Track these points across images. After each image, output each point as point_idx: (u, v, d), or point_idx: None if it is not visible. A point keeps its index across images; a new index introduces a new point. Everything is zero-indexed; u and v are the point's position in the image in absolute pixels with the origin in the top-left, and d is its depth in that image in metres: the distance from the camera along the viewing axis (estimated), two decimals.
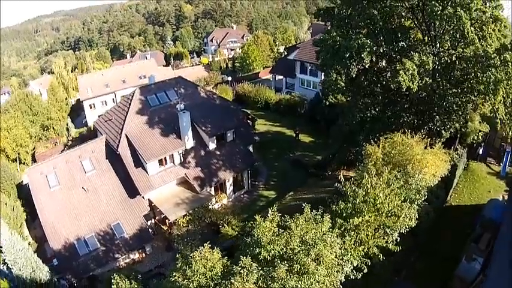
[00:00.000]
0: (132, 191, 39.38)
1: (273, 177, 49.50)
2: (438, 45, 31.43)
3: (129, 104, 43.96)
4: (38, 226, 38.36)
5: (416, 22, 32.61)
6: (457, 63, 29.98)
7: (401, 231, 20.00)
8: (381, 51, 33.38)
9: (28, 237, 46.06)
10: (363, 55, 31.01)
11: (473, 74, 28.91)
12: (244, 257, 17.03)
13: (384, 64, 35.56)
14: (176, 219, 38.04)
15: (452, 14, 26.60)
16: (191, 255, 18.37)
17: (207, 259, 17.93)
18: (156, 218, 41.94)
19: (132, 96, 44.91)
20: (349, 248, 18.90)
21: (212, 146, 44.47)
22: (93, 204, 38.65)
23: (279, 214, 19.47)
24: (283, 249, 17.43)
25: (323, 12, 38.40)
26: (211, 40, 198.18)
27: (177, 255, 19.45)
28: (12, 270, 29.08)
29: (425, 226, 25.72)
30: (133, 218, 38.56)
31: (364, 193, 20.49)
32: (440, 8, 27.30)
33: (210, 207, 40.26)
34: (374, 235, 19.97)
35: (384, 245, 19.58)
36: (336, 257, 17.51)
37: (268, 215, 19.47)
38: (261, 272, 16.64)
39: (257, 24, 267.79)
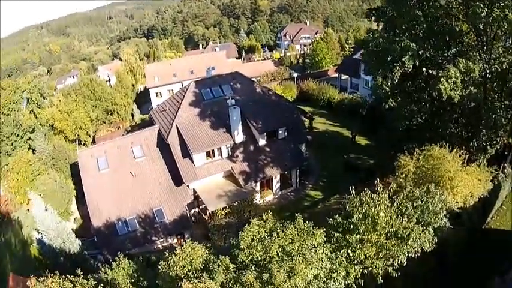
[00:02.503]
0: (178, 179, 42.17)
1: (323, 178, 50.44)
2: (490, 51, 29.01)
3: (183, 96, 46.83)
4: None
5: (470, 25, 30.07)
6: (510, 72, 28.02)
7: (411, 255, 18.71)
8: (427, 55, 31.56)
9: (74, 213, 51.19)
10: (403, 59, 29.74)
11: None
12: (223, 257, 18.34)
13: (432, 70, 33.83)
14: (215, 210, 40.24)
15: (500, 17, 24.68)
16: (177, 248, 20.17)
17: (187, 254, 19.57)
18: (200, 207, 44.55)
19: (187, 89, 47.87)
20: (342, 265, 18.66)
21: (262, 142, 46.04)
22: (139, 188, 42.03)
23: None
24: (262, 255, 18.02)
25: (375, 12, 36.28)
26: (285, 35, 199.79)
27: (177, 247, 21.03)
28: (44, 239, 33.21)
29: (452, 250, 24.77)
30: (176, 205, 41.49)
31: (363, 210, 19.31)
32: (485, 9, 25.37)
33: (255, 202, 41.87)
34: (377, 255, 19.07)
35: (383, 268, 18.84)
36: (320, 273, 17.61)
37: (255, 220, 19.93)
38: (233, 274, 17.80)
39: (333, 21, 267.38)
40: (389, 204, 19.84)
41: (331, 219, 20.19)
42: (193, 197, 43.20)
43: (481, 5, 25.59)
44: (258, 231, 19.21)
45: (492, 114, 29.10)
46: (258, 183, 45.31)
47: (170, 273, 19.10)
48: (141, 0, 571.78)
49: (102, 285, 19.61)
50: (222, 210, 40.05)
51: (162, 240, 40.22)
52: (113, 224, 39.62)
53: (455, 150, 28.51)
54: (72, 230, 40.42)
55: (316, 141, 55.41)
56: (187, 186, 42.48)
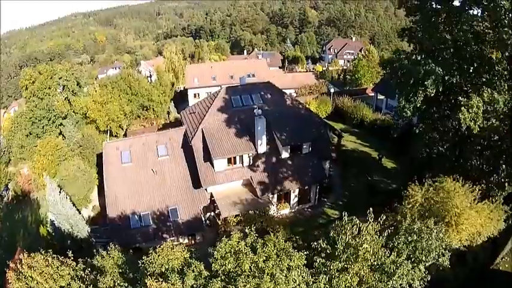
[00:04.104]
0: (197, 182, 43.20)
1: (344, 197, 50.15)
2: None
3: (213, 101, 47.97)
4: None
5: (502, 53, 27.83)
6: None
7: None
8: (454, 81, 30.11)
9: (94, 201, 53.43)
10: (426, 83, 28.79)
11: None
12: (198, 263, 19.34)
13: (461, 98, 30.80)
14: (228, 217, 41.00)
15: None
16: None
17: (166, 253, 21.06)
18: (215, 211, 45.29)
19: (218, 94, 49.03)
20: None
21: (285, 154, 46.40)
22: (157, 186, 43.61)
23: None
24: (235, 268, 18.84)
25: (408, 32, 34.40)
26: (330, 48, 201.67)
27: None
28: (55, 222, 35.28)
29: (453, 286, 24.38)
30: (192, 207, 42.74)
31: (346, 239, 19.31)
32: (510, 32, 24.17)
33: (269, 214, 42.07)
34: (359, 287, 18.95)
35: None
36: None
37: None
38: (203, 281, 18.78)
39: (379, 39, 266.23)
40: (378, 236, 19.56)
41: (315, 243, 20.11)
42: (210, 200, 44.17)
43: (510, 31, 24.50)
44: (238, 244, 19.85)
45: None
46: (276, 196, 45.76)
47: (149, 269, 20.34)
48: (191, 0, 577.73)
49: (89, 269, 20.96)
50: (235, 217, 40.83)
51: (173, 238, 40.93)
52: (127, 217, 41.22)
53: (467, 184, 27.68)
54: (88, 217, 42.17)
55: (343, 160, 55.21)
56: (205, 189, 43.54)
